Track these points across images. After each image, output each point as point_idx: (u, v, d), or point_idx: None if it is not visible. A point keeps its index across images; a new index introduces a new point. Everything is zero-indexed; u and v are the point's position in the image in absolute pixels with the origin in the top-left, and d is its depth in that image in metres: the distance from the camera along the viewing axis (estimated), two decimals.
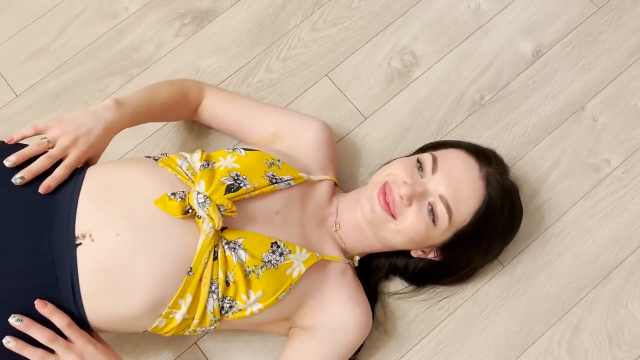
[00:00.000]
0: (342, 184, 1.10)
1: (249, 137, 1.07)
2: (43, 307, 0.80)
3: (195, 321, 0.86)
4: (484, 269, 1.04)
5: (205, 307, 0.84)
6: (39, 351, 0.80)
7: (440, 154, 0.91)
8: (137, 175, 0.87)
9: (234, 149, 0.94)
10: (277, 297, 0.86)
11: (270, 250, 0.86)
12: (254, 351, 1.03)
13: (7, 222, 0.81)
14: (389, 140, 1.14)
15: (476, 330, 1.03)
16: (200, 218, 0.83)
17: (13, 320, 0.79)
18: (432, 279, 1.02)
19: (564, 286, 1.04)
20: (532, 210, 1.07)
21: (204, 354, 1.03)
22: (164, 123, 1.15)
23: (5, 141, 0.89)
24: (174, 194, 0.83)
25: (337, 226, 0.96)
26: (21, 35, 1.24)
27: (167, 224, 0.83)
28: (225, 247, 0.84)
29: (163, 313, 0.84)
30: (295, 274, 0.87)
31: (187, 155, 0.93)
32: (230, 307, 0.86)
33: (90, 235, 0.81)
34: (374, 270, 1.03)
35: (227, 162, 0.91)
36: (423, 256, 0.96)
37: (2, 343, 0.79)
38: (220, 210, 0.83)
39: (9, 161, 0.84)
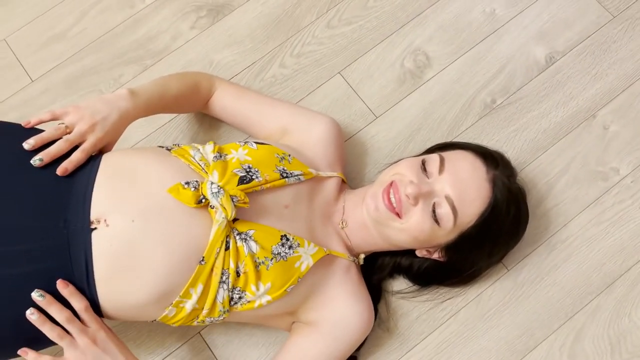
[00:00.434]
0: (350, 182, 1.11)
1: (258, 131, 1.08)
2: (64, 288, 0.81)
3: (205, 311, 0.87)
4: (488, 272, 1.04)
5: (216, 297, 0.85)
6: (57, 329, 0.81)
7: (448, 155, 0.92)
8: (151, 163, 0.88)
9: (245, 142, 0.95)
10: (285, 290, 0.87)
11: (280, 243, 0.87)
12: (257, 344, 1.04)
13: (24, 203, 0.82)
14: (399, 140, 1.15)
15: (478, 333, 1.03)
16: (212, 208, 0.83)
17: (36, 295, 0.80)
18: (436, 280, 1.02)
19: (568, 292, 1.04)
20: (539, 216, 1.08)
21: (207, 345, 1.04)
22: (176, 115, 1.16)
23: (22, 124, 0.90)
24: (187, 183, 0.84)
25: (344, 223, 0.97)
26: (39, 21, 1.25)
27: (180, 213, 0.84)
28: (237, 237, 0.85)
29: (174, 302, 0.85)
30: (303, 267, 0.88)
31: (199, 146, 0.94)
32: (240, 298, 0.86)
33: (105, 221, 0.82)
34: (378, 269, 1.03)
35: (239, 154, 0.92)
36: (428, 256, 0.96)
37: (18, 329, 0.81)
38: (233, 201, 0.84)
39: (28, 144, 0.85)
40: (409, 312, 1.05)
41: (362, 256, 0.99)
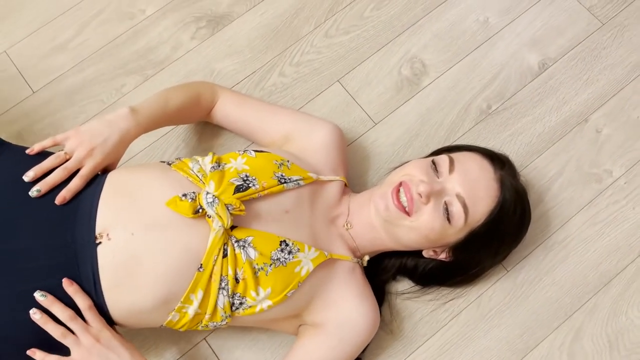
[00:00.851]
0: (351, 187, 1.13)
1: (260, 138, 1.10)
2: (69, 286, 0.84)
3: (207, 316, 0.88)
4: (488, 273, 1.06)
5: (216, 302, 0.87)
6: (61, 328, 0.83)
7: (456, 155, 0.94)
8: (152, 179, 0.91)
9: (244, 151, 0.97)
10: (285, 295, 0.88)
11: (279, 249, 0.89)
12: (262, 349, 1.05)
13: (34, 224, 0.86)
14: (398, 145, 1.17)
15: (479, 334, 1.05)
16: (210, 217, 0.85)
17: (38, 295, 0.83)
18: (440, 280, 1.04)
19: (566, 292, 1.07)
20: (536, 217, 1.10)
21: (213, 351, 1.05)
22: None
23: (27, 152, 0.93)
24: (185, 195, 0.86)
25: (349, 225, 0.99)
26: (40, 32, 1.26)
27: (179, 224, 0.86)
28: (235, 245, 0.87)
29: (176, 307, 0.87)
30: (303, 272, 0.90)
31: (199, 158, 0.96)
32: (241, 303, 0.88)
33: (108, 235, 0.85)
34: (382, 270, 1.05)
35: (237, 163, 0.94)
36: (434, 256, 0.98)
37: (22, 326, 0.83)
38: (228, 209, 0.86)
39: (27, 176, 0.88)
40: (412, 314, 1.07)
41: (367, 258, 1.01)
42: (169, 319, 0.89)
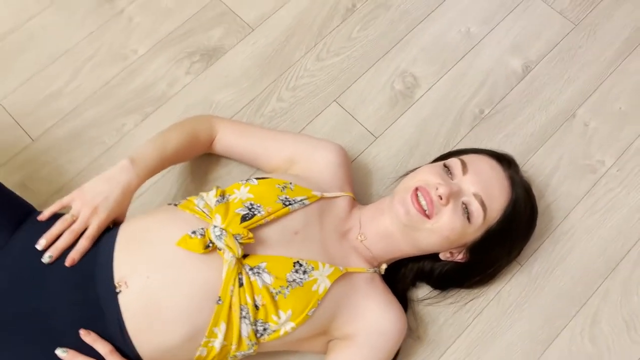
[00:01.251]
0: (358, 201, 1.16)
1: (265, 164, 1.12)
2: (87, 335, 0.86)
3: (234, 347, 0.90)
4: (504, 271, 1.10)
5: (240, 332, 0.88)
6: None
7: (466, 158, 0.98)
8: (160, 223, 0.93)
9: (247, 180, 0.99)
10: (306, 314, 0.90)
11: (293, 270, 0.90)
12: None
13: (55, 283, 0.88)
14: (400, 157, 1.21)
15: (503, 329, 1.08)
16: (221, 250, 0.87)
17: (59, 351, 0.85)
18: (458, 282, 1.07)
19: (578, 280, 1.11)
20: (540, 212, 1.14)
21: None
22: None
23: (37, 218, 0.95)
24: (194, 232, 0.89)
25: (362, 237, 1.01)
26: (33, 81, 1.27)
27: (192, 261, 0.88)
28: (249, 272, 0.89)
29: (202, 342, 0.88)
30: (321, 290, 0.91)
31: (204, 194, 0.98)
32: (264, 329, 0.89)
33: (126, 283, 0.87)
34: (400, 278, 1.07)
35: (241, 193, 0.96)
36: (451, 258, 1.01)
37: None
38: (237, 239, 0.88)
39: (40, 245, 0.90)
40: (436, 318, 1.09)
41: (384, 266, 1.03)
42: (197, 354, 0.90)
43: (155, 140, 1.03)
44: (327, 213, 1.00)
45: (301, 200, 0.96)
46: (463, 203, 0.94)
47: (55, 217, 0.95)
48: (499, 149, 1.18)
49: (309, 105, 1.25)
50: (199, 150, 1.11)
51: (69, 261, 0.89)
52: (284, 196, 0.96)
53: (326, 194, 1.01)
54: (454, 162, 0.98)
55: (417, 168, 1.04)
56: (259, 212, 0.92)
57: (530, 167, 1.20)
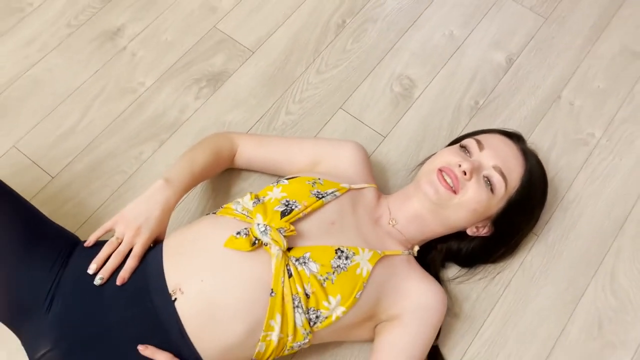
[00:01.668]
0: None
1: (288, 170, 1.17)
2: (145, 350, 0.89)
3: (290, 338, 0.93)
4: (523, 242, 1.17)
5: (295, 322, 0.91)
6: None
7: (480, 137, 1.06)
8: (203, 230, 0.98)
9: (278, 181, 1.05)
10: (355, 297, 0.94)
11: (336, 257, 0.95)
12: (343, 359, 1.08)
13: (112, 303, 0.92)
14: (409, 151, 1.29)
15: (532, 296, 1.15)
16: (267, 245, 0.92)
17: None
18: (484, 257, 1.13)
19: (591, 242, 1.20)
20: None
21: None
22: None
23: (84, 245, 0.99)
24: (238, 233, 0.93)
25: (394, 221, 1.06)
26: (44, 123, 1.29)
27: (241, 259, 0.92)
28: (296, 263, 0.93)
29: (260, 337, 0.91)
30: (364, 273, 0.96)
31: (239, 199, 1.03)
32: (317, 317, 0.93)
33: (180, 289, 0.90)
34: (430, 261, 1.12)
35: (274, 193, 1.01)
36: (477, 233, 1.08)
37: None
38: (281, 233, 0.93)
39: (91, 269, 0.95)
40: (469, 294, 1.15)
41: (417, 248, 1.08)
42: (256, 350, 0.93)
43: (182, 160, 1.08)
44: (358, 203, 1.05)
45: (332, 193, 1.02)
46: (484, 176, 1.01)
47: (100, 243, 0.99)
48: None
49: (317, 115, 1.32)
50: (222, 166, 1.16)
51: (119, 280, 0.93)
52: (315, 190, 1.01)
53: (354, 186, 1.06)
54: (469, 141, 1.06)
55: (432, 154, 1.11)
56: (295, 206, 0.97)
57: (530, 146, 1.28)
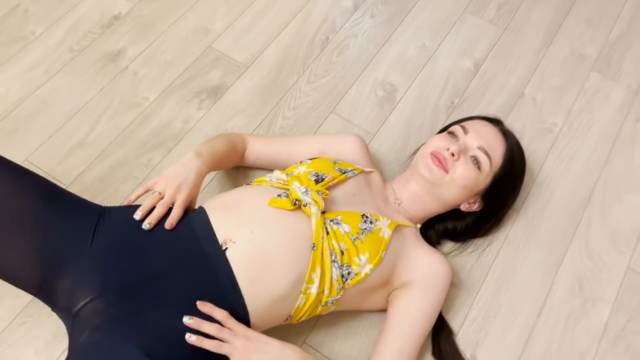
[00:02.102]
0: None
1: (297, 162, 1.26)
2: (203, 307, 0.93)
3: (326, 292, 1.01)
4: (506, 218, 1.31)
5: (331, 276, 1.01)
6: (214, 341, 0.91)
7: (464, 123, 1.21)
8: (244, 193, 1.07)
9: (301, 162, 1.16)
10: (380, 256, 1.05)
11: (362, 221, 1.06)
12: (356, 333, 1.17)
13: (162, 251, 0.97)
14: (397, 146, 1.42)
15: (518, 265, 1.27)
16: (305, 206, 1.02)
17: (186, 319, 0.91)
18: (475, 231, 1.26)
19: (565, 213, 1.35)
20: None
21: (315, 349, 1.14)
22: (214, 175, 1.33)
23: (125, 204, 1.06)
24: (279, 195, 1.03)
25: (399, 201, 1.19)
26: (55, 138, 1.37)
27: (283, 217, 1.01)
28: (331, 223, 1.04)
29: (302, 289, 0.99)
30: (386, 236, 1.07)
31: (269, 175, 1.14)
32: (349, 273, 1.03)
33: (231, 239, 0.97)
34: (428, 239, 1.24)
35: (301, 169, 1.12)
36: (469, 209, 1.20)
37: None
38: (319, 195, 1.03)
39: (137, 215, 1.01)
40: (463, 266, 1.26)
41: (418, 225, 1.20)
42: (297, 304, 1.00)
43: (205, 145, 1.18)
44: (370, 182, 1.18)
45: (352, 170, 1.14)
46: (471, 156, 1.15)
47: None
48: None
49: (311, 119, 1.45)
50: (235, 159, 1.26)
51: (168, 225, 0.99)
52: (338, 167, 1.13)
53: (365, 169, 1.19)
54: (455, 128, 1.20)
55: (424, 143, 1.25)
56: (325, 177, 1.09)
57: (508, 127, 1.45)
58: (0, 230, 0.92)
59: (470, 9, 1.68)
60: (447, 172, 1.14)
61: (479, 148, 1.16)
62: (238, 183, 1.33)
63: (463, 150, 1.15)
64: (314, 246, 1.00)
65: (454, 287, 1.23)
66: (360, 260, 1.02)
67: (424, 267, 1.11)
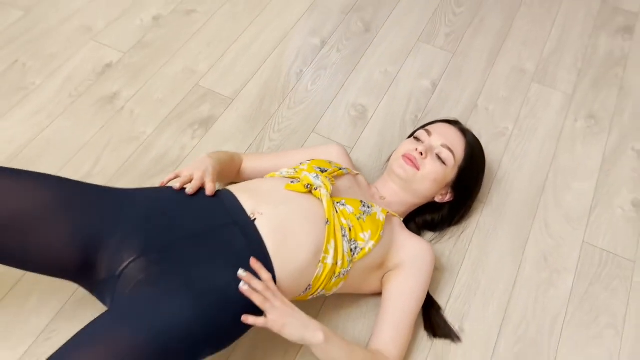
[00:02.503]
0: None
1: None
2: (255, 263, 1.06)
3: (339, 263, 1.15)
4: (474, 208, 1.49)
5: (343, 249, 1.15)
6: (261, 296, 1.04)
7: (427, 127, 1.40)
8: (261, 182, 1.25)
9: (300, 163, 1.32)
10: (379, 235, 1.21)
11: (361, 205, 1.23)
12: (356, 319, 1.31)
13: (194, 220, 1.10)
14: (374, 156, 1.60)
15: (490, 247, 1.45)
16: (316, 189, 1.18)
17: (241, 271, 1.04)
18: (450, 220, 1.44)
19: (524, 202, 1.54)
20: None
21: None
22: None
23: (159, 185, 1.21)
24: (292, 181, 1.20)
25: (383, 198, 1.36)
26: (62, 172, 1.48)
27: (298, 198, 1.18)
28: (338, 205, 1.20)
29: (320, 258, 1.13)
30: (381, 219, 1.24)
31: (278, 172, 1.30)
32: (355, 247, 1.18)
33: (258, 212, 1.12)
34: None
35: (304, 166, 1.28)
36: (442, 200, 1.38)
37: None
38: (328, 180, 1.21)
39: (176, 186, 1.17)
40: (443, 252, 1.43)
41: (401, 219, 1.37)
42: (316, 272, 1.13)
43: (210, 154, 1.32)
44: (358, 182, 1.36)
45: (345, 168, 1.32)
46: (437, 154, 1.35)
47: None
48: None
49: (295, 139, 1.62)
50: (234, 171, 1.41)
51: (208, 192, 1.15)
52: (334, 165, 1.31)
53: (352, 171, 1.37)
54: (420, 132, 1.40)
55: (395, 150, 1.44)
56: (326, 169, 1.26)
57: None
58: (39, 222, 1.01)
59: (422, 38, 1.92)
60: (418, 169, 1.32)
61: (443, 145, 1.35)
62: None
63: (429, 149, 1.34)
64: (327, 221, 1.16)
65: (437, 271, 1.39)
66: (364, 236, 1.18)
67: (412, 249, 1.27)
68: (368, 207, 1.24)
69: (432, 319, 1.30)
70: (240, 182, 1.43)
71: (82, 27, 1.84)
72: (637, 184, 1.60)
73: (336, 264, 1.16)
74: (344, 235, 1.17)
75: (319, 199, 1.18)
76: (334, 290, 1.20)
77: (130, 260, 1.02)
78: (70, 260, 1.03)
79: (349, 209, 1.20)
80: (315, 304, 1.31)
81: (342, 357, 1.08)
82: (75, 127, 1.59)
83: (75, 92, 1.67)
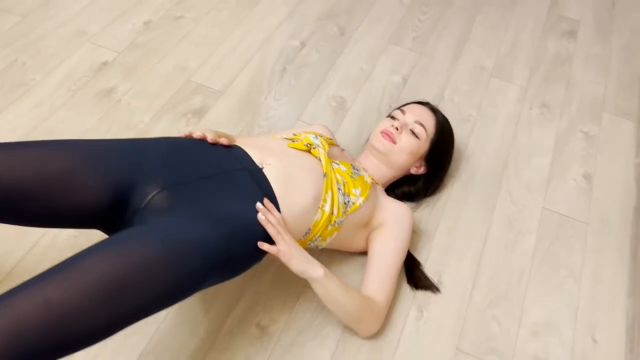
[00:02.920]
0: None
1: None
2: (268, 203, 1.20)
3: (335, 211, 1.29)
4: (445, 183, 1.67)
5: (338, 200, 1.30)
6: (276, 227, 1.18)
7: (402, 107, 1.58)
8: (264, 139, 1.40)
9: (294, 134, 1.47)
10: (368, 193, 1.36)
11: (352, 167, 1.39)
12: (347, 275, 1.44)
13: (210, 164, 1.23)
14: (353, 140, 1.77)
15: (462, 214, 1.61)
16: (315, 149, 1.34)
17: (259, 204, 1.18)
18: (426, 191, 1.60)
19: (490, 176, 1.72)
20: None
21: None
22: None
23: (181, 135, 1.33)
24: (292, 140, 1.36)
25: (365, 170, 1.51)
26: None
27: (300, 154, 1.33)
28: (333, 164, 1.35)
29: (320, 205, 1.27)
30: (369, 181, 1.40)
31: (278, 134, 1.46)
32: (348, 201, 1.33)
33: (266, 162, 1.27)
34: None
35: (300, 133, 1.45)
36: (418, 172, 1.55)
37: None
38: (325, 142, 1.37)
39: (196, 135, 1.29)
40: (420, 219, 1.59)
41: (383, 189, 1.53)
42: (315, 218, 1.27)
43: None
44: (345, 154, 1.51)
45: (334, 140, 1.48)
46: (411, 129, 1.52)
47: None
48: None
49: (282, 126, 1.77)
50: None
51: (224, 143, 1.29)
52: (325, 136, 1.47)
53: (339, 145, 1.53)
54: (395, 112, 1.57)
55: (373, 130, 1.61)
56: (321, 136, 1.42)
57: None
58: (78, 176, 1.10)
59: (392, 40, 2.13)
60: (395, 143, 1.49)
61: (416, 122, 1.52)
62: None
63: (404, 125, 1.51)
64: (325, 174, 1.31)
65: (415, 235, 1.55)
66: (356, 192, 1.34)
67: (394, 210, 1.42)
68: (358, 170, 1.39)
69: (414, 273, 1.45)
70: None
71: (77, 31, 1.97)
72: (586, 159, 1.81)
73: (332, 212, 1.30)
74: (339, 189, 1.32)
75: (317, 157, 1.34)
76: (328, 240, 1.33)
77: (154, 193, 1.12)
78: (106, 204, 1.11)
79: (343, 167, 1.36)
80: None
81: (339, 294, 1.21)
82: (75, 117, 1.70)
83: (74, 86, 1.79)
